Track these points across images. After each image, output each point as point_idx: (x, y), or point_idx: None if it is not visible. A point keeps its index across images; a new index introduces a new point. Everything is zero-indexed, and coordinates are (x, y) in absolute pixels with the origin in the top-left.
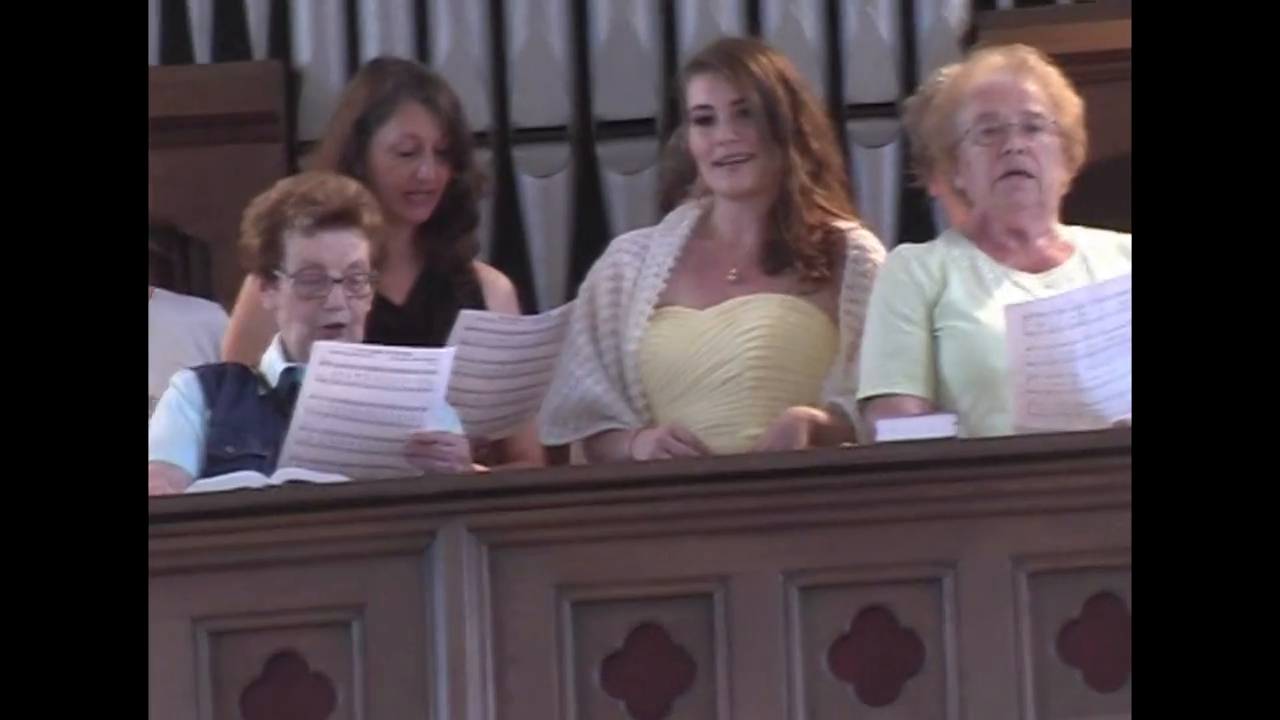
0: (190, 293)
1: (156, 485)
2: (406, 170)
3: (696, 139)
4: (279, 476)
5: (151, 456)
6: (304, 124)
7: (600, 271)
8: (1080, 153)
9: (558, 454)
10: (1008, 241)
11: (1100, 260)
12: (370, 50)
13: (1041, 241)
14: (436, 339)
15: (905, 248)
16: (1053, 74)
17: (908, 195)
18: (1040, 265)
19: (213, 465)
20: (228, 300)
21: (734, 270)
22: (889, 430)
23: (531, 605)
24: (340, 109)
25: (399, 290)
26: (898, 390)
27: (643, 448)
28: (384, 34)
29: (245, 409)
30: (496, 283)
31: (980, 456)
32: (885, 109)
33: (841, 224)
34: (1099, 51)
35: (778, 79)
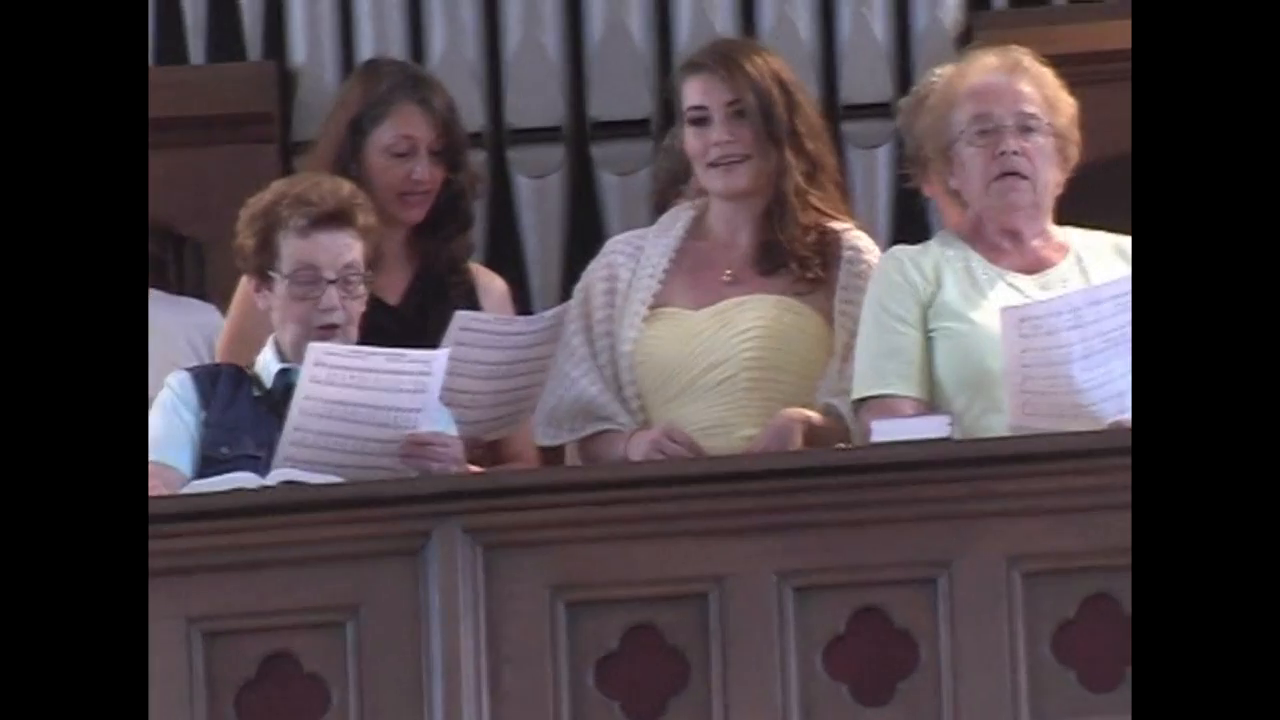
0: (185, 293)
1: (151, 486)
2: (401, 171)
3: (691, 140)
4: (274, 477)
5: None
6: (299, 125)
7: (595, 272)
8: (1075, 153)
9: (553, 455)
10: (1002, 242)
11: (1095, 261)
12: (365, 51)
13: (1036, 242)
14: (431, 340)
15: (899, 249)
16: (1047, 75)
17: (902, 196)
18: (1035, 266)
19: (207, 466)
20: (222, 301)
21: (729, 271)
22: (883, 431)
23: (526, 606)
24: (335, 110)
25: (394, 291)
26: (892, 391)
27: (637, 449)
28: (378, 35)
29: (240, 410)
30: (491, 284)
31: (975, 457)
32: (880, 110)
33: (836, 225)
34: (1094, 52)
35: (773, 80)
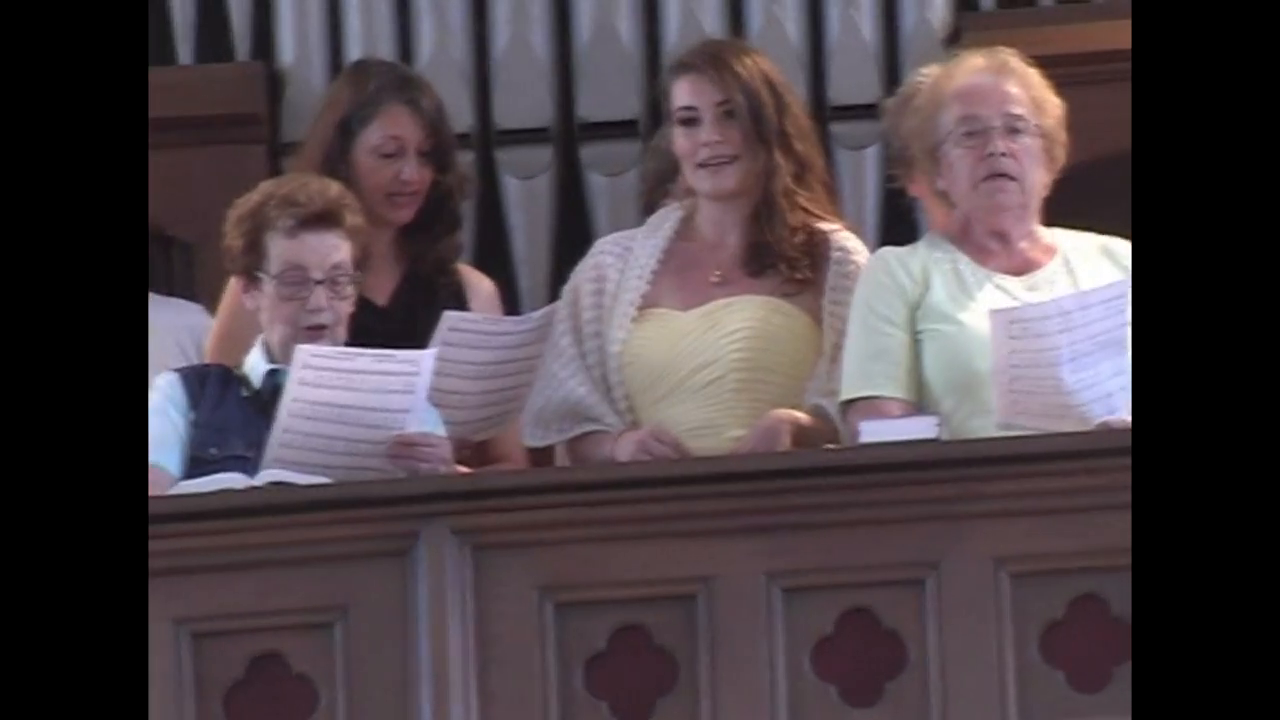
0: (173, 294)
1: None
2: (389, 172)
3: (681, 140)
4: (262, 478)
5: None
6: (287, 126)
7: (583, 273)
8: (1062, 154)
9: (541, 455)
10: (990, 244)
11: (1083, 263)
12: (353, 52)
13: (1023, 244)
14: (419, 341)
15: (887, 250)
16: (1034, 76)
17: (890, 197)
18: (1022, 268)
19: (196, 467)
20: (210, 301)
21: (717, 272)
22: (871, 432)
23: (514, 606)
24: (323, 110)
25: (382, 292)
26: (880, 392)
27: (624, 450)
28: (367, 35)
29: (228, 410)
30: (479, 284)
31: (963, 458)
32: (868, 111)
33: (824, 226)
34: (1082, 53)
35: (762, 81)
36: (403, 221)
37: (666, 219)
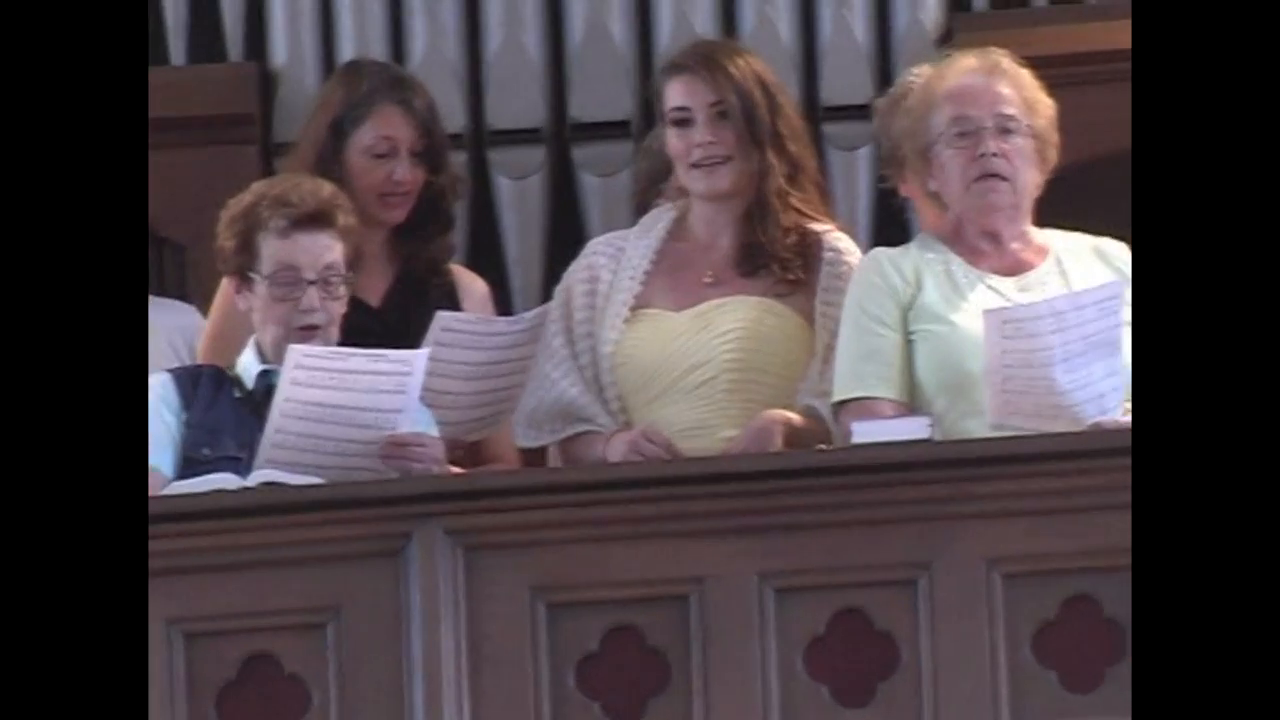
0: (165, 294)
1: None
2: (382, 172)
3: (674, 141)
4: (255, 478)
5: None
6: (279, 126)
7: (575, 274)
8: (1053, 155)
9: (534, 456)
10: (982, 245)
11: (1075, 263)
12: (345, 52)
13: (1016, 245)
14: (412, 341)
15: (879, 251)
16: (1025, 76)
17: (883, 197)
18: (1015, 269)
19: (189, 467)
20: (203, 302)
21: (710, 272)
22: (864, 433)
23: (507, 607)
24: (316, 111)
25: (375, 292)
26: (872, 393)
27: (615, 450)
28: (359, 36)
29: (221, 411)
30: (472, 285)
31: (955, 459)
32: (860, 111)
33: (817, 226)
34: (1074, 54)
35: (755, 81)
36: (395, 222)
37: (659, 219)
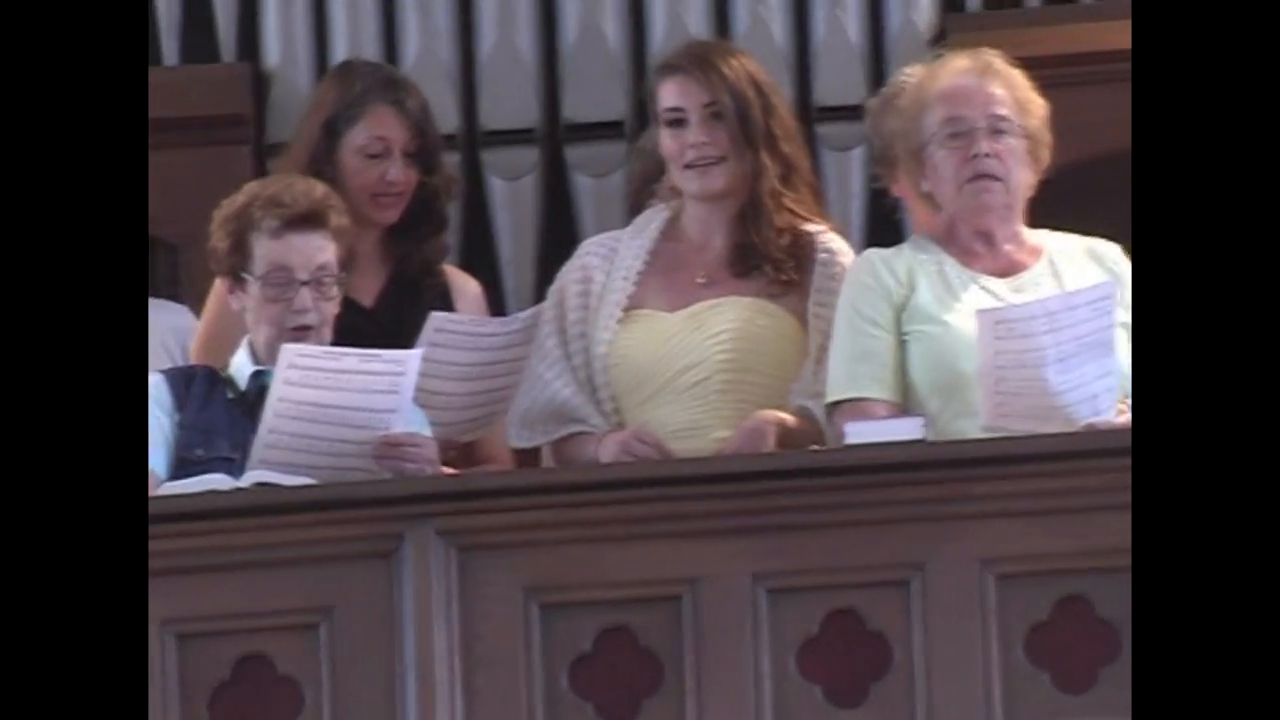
0: (159, 295)
1: None
2: (375, 172)
3: (667, 141)
4: (248, 479)
5: None
6: (272, 126)
7: (569, 274)
8: (1046, 155)
9: (528, 457)
10: (975, 245)
11: (1068, 264)
12: (339, 53)
13: (1009, 246)
14: (406, 342)
15: (872, 252)
16: (1018, 76)
17: (876, 198)
18: (1008, 270)
19: (182, 468)
20: (196, 303)
21: (703, 273)
22: (857, 433)
23: (500, 608)
24: (309, 111)
25: (368, 293)
26: (866, 394)
27: (607, 451)
28: (353, 37)
29: (214, 412)
30: (465, 285)
31: (948, 459)
32: (854, 112)
33: (810, 227)
34: (1067, 54)
35: (749, 82)
36: (388, 222)
37: (652, 220)
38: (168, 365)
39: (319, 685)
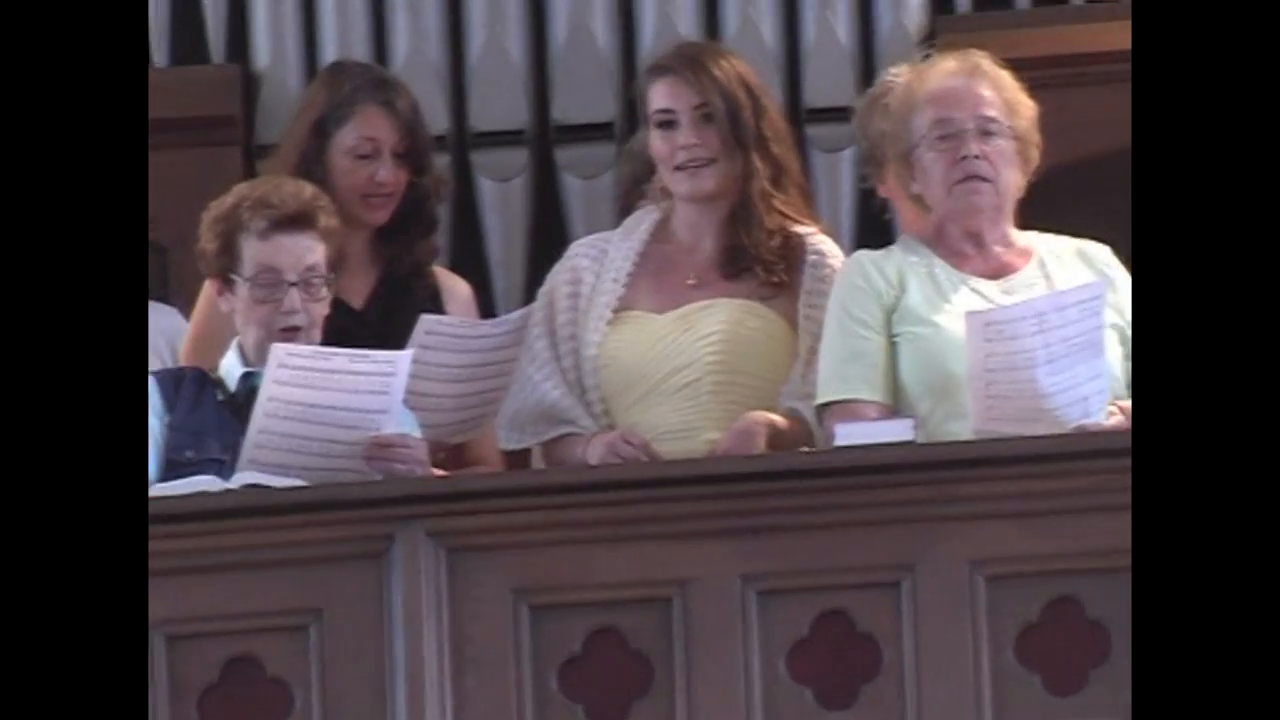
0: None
1: None
2: (365, 173)
3: (658, 143)
4: (237, 480)
5: None
6: (262, 128)
7: (558, 276)
8: (1035, 156)
9: (517, 458)
10: (965, 247)
11: (1059, 266)
12: (328, 54)
13: (999, 248)
14: (396, 343)
15: (863, 254)
16: (1006, 78)
17: (866, 199)
18: (998, 271)
19: (171, 469)
20: (186, 304)
21: (693, 275)
22: (847, 435)
23: (490, 609)
24: (299, 112)
25: (358, 295)
26: (856, 395)
27: (594, 452)
28: (342, 38)
29: (204, 413)
30: (455, 287)
31: (938, 461)
32: (843, 113)
33: (800, 229)
34: (1056, 56)
35: (739, 83)
36: (378, 223)
37: (642, 221)
38: (157, 367)
39: (308, 686)
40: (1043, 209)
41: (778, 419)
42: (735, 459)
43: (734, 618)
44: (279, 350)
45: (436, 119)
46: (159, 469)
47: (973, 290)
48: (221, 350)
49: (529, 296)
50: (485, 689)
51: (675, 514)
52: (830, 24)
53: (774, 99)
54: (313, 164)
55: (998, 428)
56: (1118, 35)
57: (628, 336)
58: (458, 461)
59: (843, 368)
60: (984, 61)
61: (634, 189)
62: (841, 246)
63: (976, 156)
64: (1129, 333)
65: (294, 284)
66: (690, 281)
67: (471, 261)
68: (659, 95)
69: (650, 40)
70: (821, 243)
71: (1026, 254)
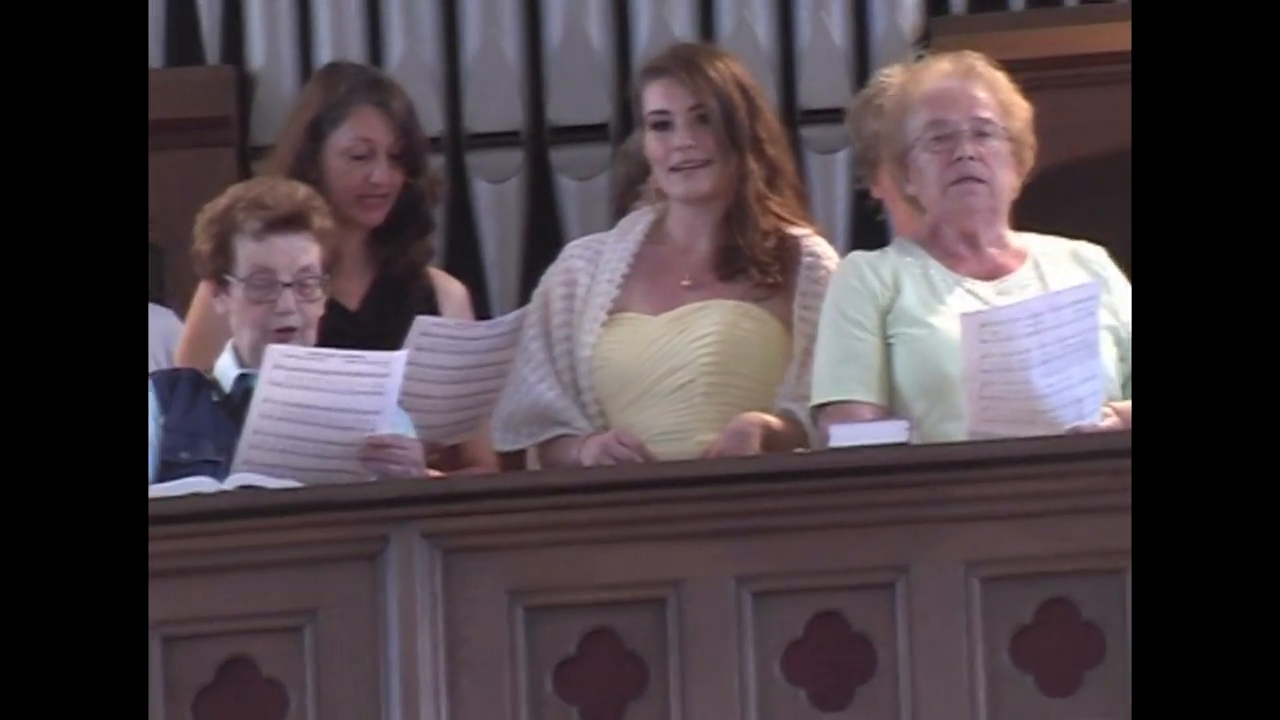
0: None
1: None
2: (360, 174)
3: (653, 144)
4: (232, 481)
5: None
6: (257, 129)
7: (553, 277)
8: (1030, 157)
9: (512, 459)
10: (960, 248)
11: (1053, 267)
12: (323, 55)
13: (993, 249)
14: (391, 345)
15: (858, 254)
16: (1000, 79)
17: (860, 201)
18: (993, 273)
19: (167, 471)
20: (181, 306)
21: (688, 276)
22: (842, 436)
23: (484, 610)
24: (294, 113)
25: (353, 296)
26: (851, 397)
27: (588, 453)
28: (337, 39)
29: (199, 414)
30: (450, 288)
31: (933, 462)
32: (838, 115)
33: (795, 230)
34: (1051, 57)
35: (734, 85)
36: (373, 224)
37: (637, 222)
38: (152, 368)
39: (303, 687)
40: (1039, 210)
41: (772, 420)
42: (730, 460)
43: (729, 619)
44: (274, 351)
45: (431, 120)
46: (154, 470)
47: (967, 291)
48: (216, 351)
49: (524, 298)
50: (480, 690)
51: (670, 515)
52: (825, 25)
53: (769, 100)
54: (308, 165)
55: (992, 429)
56: (1112, 36)
57: (622, 338)
58: (453, 463)
59: (837, 369)
60: (978, 63)
61: (629, 190)
62: (836, 248)
63: (971, 158)
64: (1123, 334)
65: (289, 285)
66: (685, 283)
67: (466, 263)
68: (654, 96)
69: (645, 41)
70: (816, 244)
71: (1021, 255)
